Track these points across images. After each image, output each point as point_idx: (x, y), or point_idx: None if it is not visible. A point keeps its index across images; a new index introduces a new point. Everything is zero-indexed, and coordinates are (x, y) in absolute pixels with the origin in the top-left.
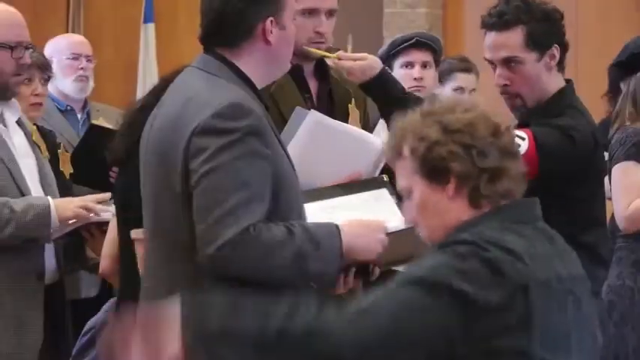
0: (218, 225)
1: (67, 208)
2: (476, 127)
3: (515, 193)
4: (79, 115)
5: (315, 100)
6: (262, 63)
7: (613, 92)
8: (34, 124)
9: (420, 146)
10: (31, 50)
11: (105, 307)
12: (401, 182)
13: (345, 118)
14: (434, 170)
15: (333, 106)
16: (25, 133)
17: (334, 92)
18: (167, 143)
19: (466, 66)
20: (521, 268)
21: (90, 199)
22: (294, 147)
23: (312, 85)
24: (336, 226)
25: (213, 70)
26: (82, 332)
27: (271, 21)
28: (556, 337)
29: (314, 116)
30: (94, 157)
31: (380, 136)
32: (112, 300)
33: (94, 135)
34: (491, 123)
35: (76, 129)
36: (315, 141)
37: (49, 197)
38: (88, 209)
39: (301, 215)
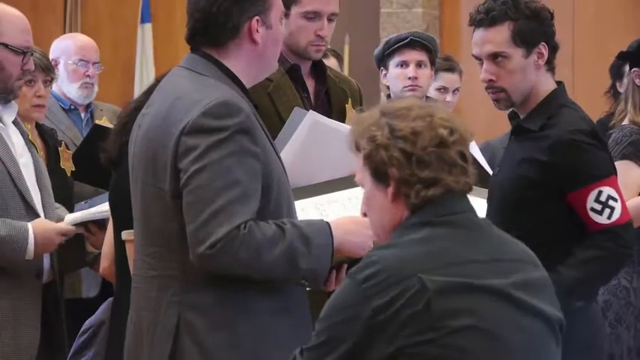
0: (209, 224)
1: (50, 238)
2: (419, 136)
3: (443, 199)
4: (82, 115)
5: (313, 99)
6: (249, 62)
7: (614, 90)
8: (36, 122)
9: (368, 146)
10: (33, 55)
11: (102, 307)
12: (357, 175)
13: (342, 117)
14: (376, 172)
15: (330, 105)
16: (21, 133)
17: (331, 92)
18: (156, 143)
19: (449, 65)
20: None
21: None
22: (292, 147)
23: (310, 84)
24: (327, 224)
25: (201, 69)
26: (80, 332)
27: (257, 20)
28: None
29: (312, 116)
30: (97, 156)
31: None
32: (109, 300)
33: (97, 135)
34: (438, 134)
35: (79, 128)
36: (313, 141)
37: (30, 228)
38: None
39: (291, 212)
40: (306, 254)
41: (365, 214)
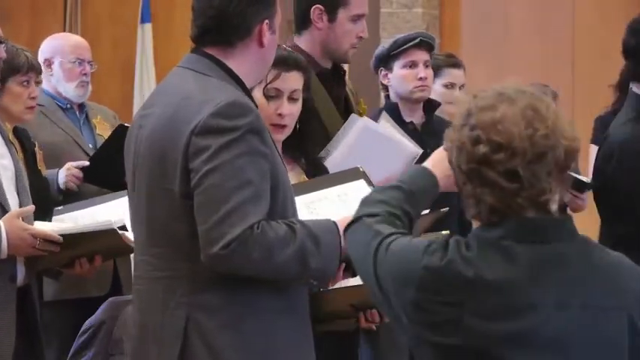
0: (223, 224)
1: (23, 238)
2: (515, 152)
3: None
4: (77, 114)
5: (334, 102)
6: (252, 63)
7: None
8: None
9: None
10: (3, 45)
11: (102, 307)
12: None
13: (358, 115)
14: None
15: (349, 106)
16: (1, 133)
17: (347, 93)
18: (164, 143)
19: (455, 61)
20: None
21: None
22: (344, 148)
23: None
24: (334, 222)
25: (204, 69)
26: (80, 332)
27: (267, 23)
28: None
29: (363, 122)
30: (113, 157)
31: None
32: (110, 300)
33: (121, 135)
34: (537, 151)
35: (77, 126)
36: (361, 144)
37: (1, 224)
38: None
39: (295, 213)
40: (316, 253)
41: None
